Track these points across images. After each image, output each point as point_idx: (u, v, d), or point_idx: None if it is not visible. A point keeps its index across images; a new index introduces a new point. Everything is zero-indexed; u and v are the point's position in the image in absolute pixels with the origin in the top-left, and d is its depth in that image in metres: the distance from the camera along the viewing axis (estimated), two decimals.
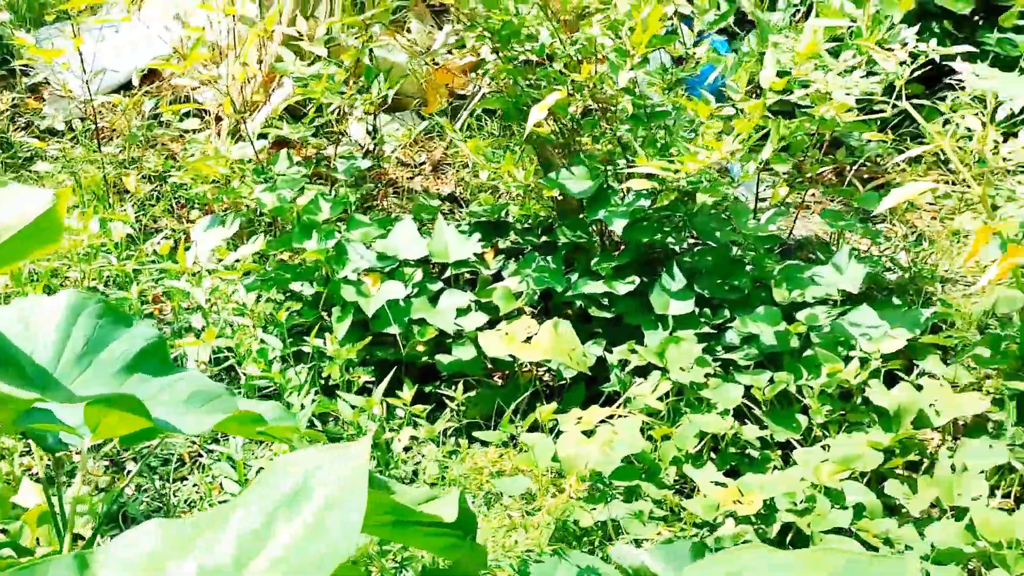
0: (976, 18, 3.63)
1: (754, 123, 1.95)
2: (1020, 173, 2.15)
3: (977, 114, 1.86)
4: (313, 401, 2.01)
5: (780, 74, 2.27)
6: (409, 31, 3.79)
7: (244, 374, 2.13)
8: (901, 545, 1.65)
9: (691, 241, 2.53)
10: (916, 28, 2.44)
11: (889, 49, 2.13)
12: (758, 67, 2.26)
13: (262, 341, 2.08)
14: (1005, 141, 2.10)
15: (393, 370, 2.14)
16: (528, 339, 2.14)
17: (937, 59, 2.14)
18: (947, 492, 1.76)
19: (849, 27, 2.31)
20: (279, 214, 2.32)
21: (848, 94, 2.12)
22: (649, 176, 2.13)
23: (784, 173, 2.73)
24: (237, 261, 2.31)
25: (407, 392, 2.04)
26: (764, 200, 2.84)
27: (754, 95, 2.25)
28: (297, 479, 0.85)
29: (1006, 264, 1.72)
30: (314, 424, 2.14)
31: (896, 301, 2.37)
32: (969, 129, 1.92)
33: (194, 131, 2.90)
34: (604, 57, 2.24)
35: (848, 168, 3.11)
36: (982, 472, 1.85)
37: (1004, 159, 1.83)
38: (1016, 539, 1.67)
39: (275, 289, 2.30)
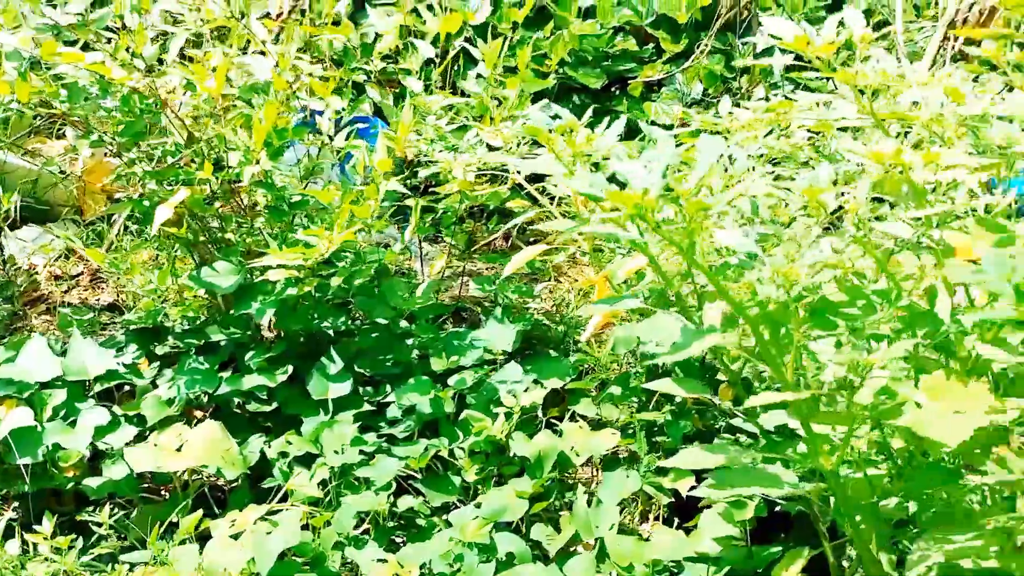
0: (613, 88, 4.06)
1: (371, 207, 2.04)
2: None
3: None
4: None
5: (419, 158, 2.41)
6: (64, 136, 3.62)
7: None
8: None
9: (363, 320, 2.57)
10: (542, 102, 2.70)
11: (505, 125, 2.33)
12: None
13: None
14: None
15: (15, 505, 1.99)
16: (180, 448, 2.06)
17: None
18: (584, 526, 1.89)
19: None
20: None
21: (468, 170, 2.28)
22: (289, 265, 2.15)
23: (447, 244, 2.87)
24: None
25: (47, 525, 1.90)
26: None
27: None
28: None
29: (605, 311, 1.90)
30: None
31: (553, 353, 2.54)
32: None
33: None
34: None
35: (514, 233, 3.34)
36: (620, 502, 2.01)
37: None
38: (652, 560, 1.83)
39: None
